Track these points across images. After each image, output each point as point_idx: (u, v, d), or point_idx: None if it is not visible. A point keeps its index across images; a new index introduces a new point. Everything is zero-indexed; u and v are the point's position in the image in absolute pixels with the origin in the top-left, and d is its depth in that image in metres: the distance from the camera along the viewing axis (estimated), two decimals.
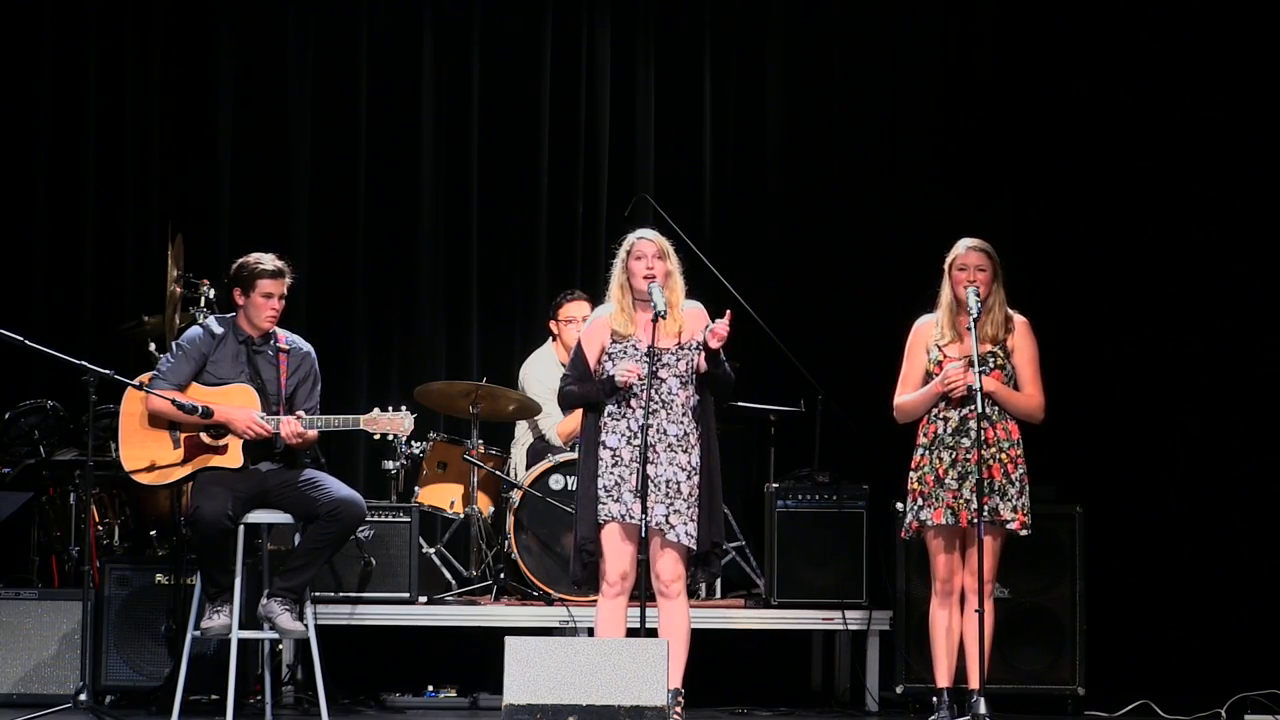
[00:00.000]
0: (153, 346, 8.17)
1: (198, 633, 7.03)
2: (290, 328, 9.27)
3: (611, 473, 6.63)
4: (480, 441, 8.32)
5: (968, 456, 6.86)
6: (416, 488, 8.35)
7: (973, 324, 6.85)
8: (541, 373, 8.60)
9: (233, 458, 7.01)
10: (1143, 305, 9.06)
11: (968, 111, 9.42)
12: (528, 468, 8.39)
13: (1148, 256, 9.09)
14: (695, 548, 6.66)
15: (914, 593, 7.87)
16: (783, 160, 9.53)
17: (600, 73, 9.54)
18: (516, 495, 8.15)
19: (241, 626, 6.94)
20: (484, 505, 8.36)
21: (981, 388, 6.78)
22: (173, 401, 6.95)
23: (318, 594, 7.42)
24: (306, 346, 7.29)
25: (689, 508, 6.64)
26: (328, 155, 9.42)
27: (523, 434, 8.71)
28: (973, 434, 6.84)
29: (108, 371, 7.13)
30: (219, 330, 7.16)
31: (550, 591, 8.05)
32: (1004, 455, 6.89)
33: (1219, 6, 9.09)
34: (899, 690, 7.90)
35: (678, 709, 6.65)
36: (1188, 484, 8.88)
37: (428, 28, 9.49)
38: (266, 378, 7.12)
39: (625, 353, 6.70)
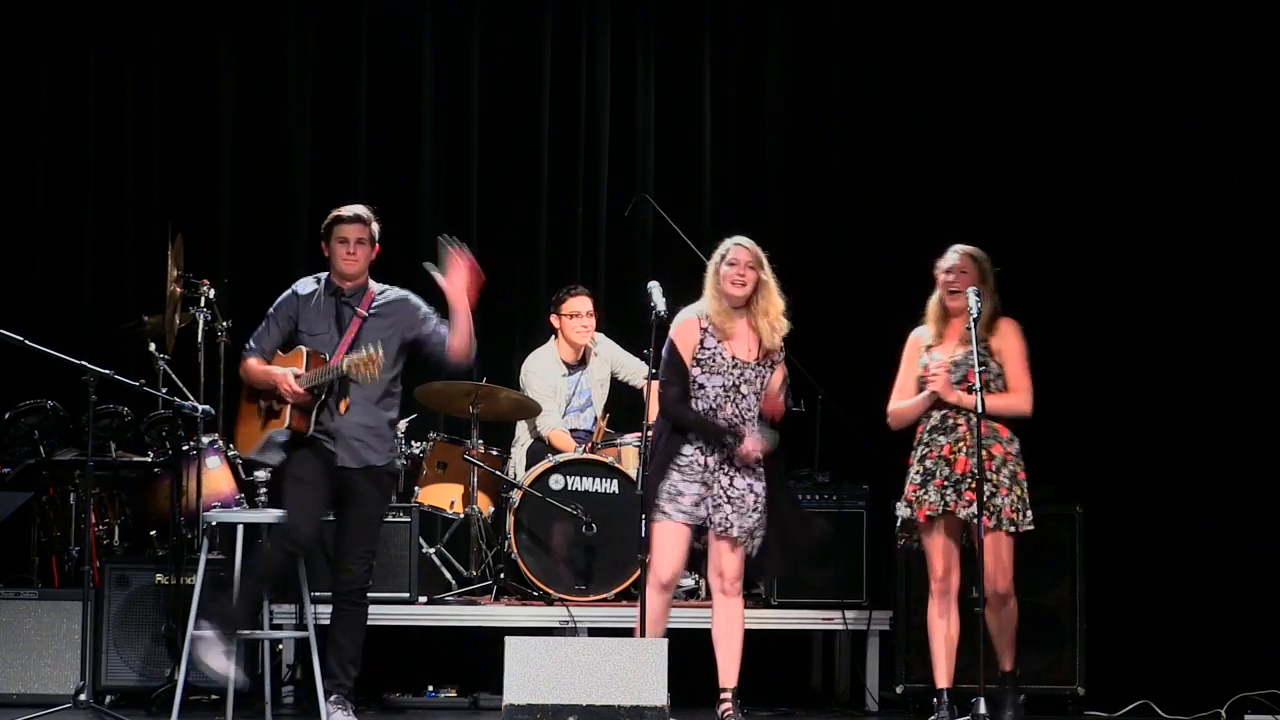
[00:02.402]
0: (153, 346, 8.17)
1: (198, 633, 7.03)
2: None
3: (683, 475, 6.72)
4: (480, 441, 8.32)
5: (953, 453, 6.91)
6: (416, 488, 8.35)
7: (973, 324, 6.87)
8: (542, 370, 8.61)
9: (281, 420, 6.88)
10: (1143, 305, 9.06)
11: (968, 112, 9.42)
12: (528, 468, 8.39)
13: (1147, 256, 9.09)
14: (754, 554, 6.80)
15: (914, 593, 7.86)
16: (782, 160, 9.53)
17: (600, 73, 9.54)
18: (516, 495, 8.15)
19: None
20: (484, 505, 8.36)
21: (982, 388, 6.79)
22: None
23: (317, 594, 7.42)
24: (400, 294, 7.17)
25: (758, 514, 6.78)
26: (328, 154, 9.42)
27: (523, 434, 8.72)
28: (957, 431, 6.92)
29: (108, 371, 7.13)
30: (308, 289, 7.05)
31: (550, 591, 8.06)
32: (1000, 454, 6.93)
33: (1216, 6, 9.09)
34: (899, 690, 7.90)
35: (728, 707, 6.77)
36: (1188, 484, 8.88)
37: (428, 27, 9.49)
38: (345, 330, 7.03)
39: (714, 361, 6.74)
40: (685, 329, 6.79)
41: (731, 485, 6.78)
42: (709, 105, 9.56)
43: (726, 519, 6.77)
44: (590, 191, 9.53)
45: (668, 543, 6.75)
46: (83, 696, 7.28)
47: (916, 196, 9.38)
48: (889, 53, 9.56)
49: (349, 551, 6.95)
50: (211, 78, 9.38)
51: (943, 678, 7.02)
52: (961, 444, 6.92)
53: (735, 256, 6.80)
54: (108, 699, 7.62)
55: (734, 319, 6.78)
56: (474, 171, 9.50)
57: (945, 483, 6.92)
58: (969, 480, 6.84)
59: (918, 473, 7.00)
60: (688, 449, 6.76)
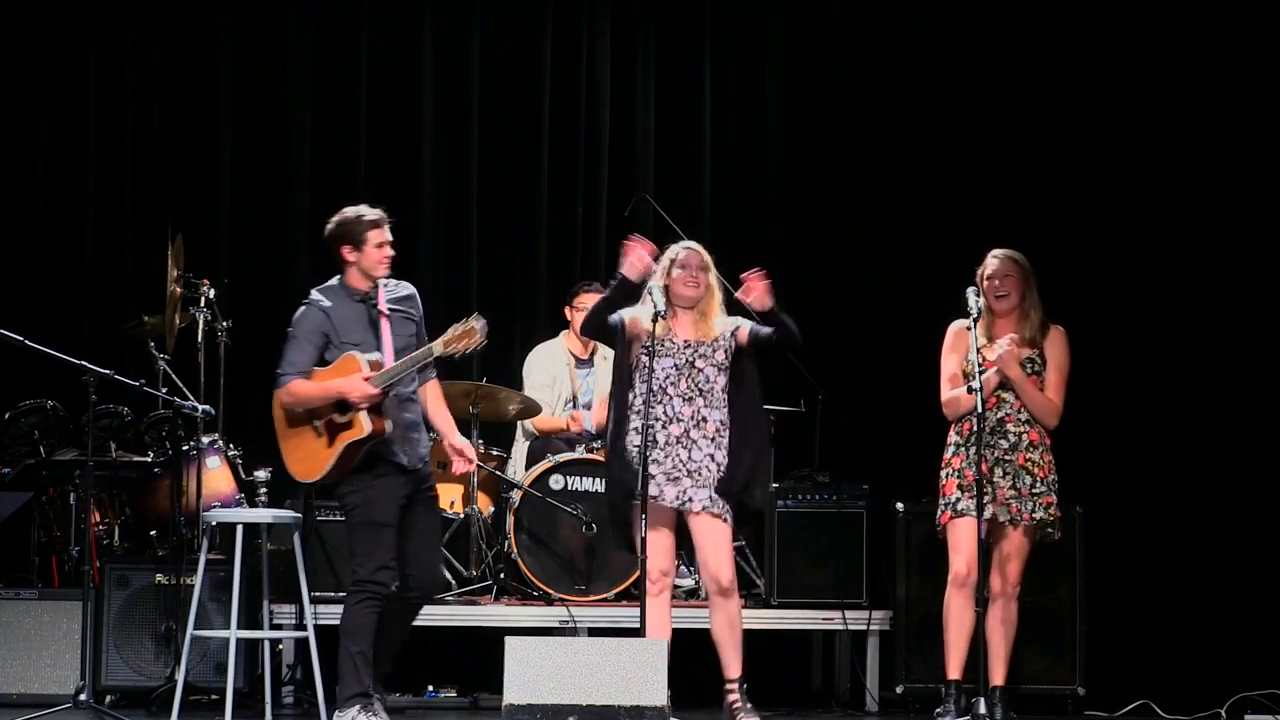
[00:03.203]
0: (152, 346, 8.17)
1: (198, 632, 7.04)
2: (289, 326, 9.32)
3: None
4: (480, 441, 8.32)
5: (1009, 457, 6.99)
6: None
7: (973, 324, 6.90)
8: (545, 360, 8.63)
9: (358, 428, 6.64)
10: (1141, 306, 9.06)
11: (969, 112, 9.42)
12: (527, 468, 8.39)
13: (1146, 256, 9.09)
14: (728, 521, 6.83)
15: (914, 593, 7.88)
16: (783, 160, 9.54)
17: (600, 73, 9.54)
18: (516, 495, 8.15)
19: (241, 626, 6.94)
20: (484, 505, 8.36)
21: (981, 388, 6.81)
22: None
23: (317, 594, 7.42)
24: (403, 284, 7.01)
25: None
26: (328, 155, 9.42)
27: (523, 434, 8.71)
28: (1010, 436, 6.98)
29: (108, 371, 7.13)
30: (329, 301, 6.81)
31: (550, 591, 8.06)
32: (1042, 459, 7.03)
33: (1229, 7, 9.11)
34: (899, 690, 7.91)
35: (736, 698, 6.83)
36: (1188, 484, 8.88)
37: (428, 28, 9.49)
38: (379, 331, 6.85)
39: (663, 345, 6.84)
40: (637, 316, 6.89)
41: (698, 459, 6.80)
42: (709, 105, 9.56)
43: (685, 493, 6.78)
44: (590, 191, 9.54)
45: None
46: (83, 696, 7.28)
47: (916, 196, 9.38)
48: (889, 52, 9.55)
49: (435, 549, 6.98)
50: (212, 78, 9.38)
51: (954, 669, 7.03)
52: (1034, 451, 6.99)
53: (686, 260, 6.91)
54: (108, 699, 7.62)
55: (680, 315, 6.91)
56: (474, 171, 9.50)
57: (1032, 490, 6.98)
58: (1006, 481, 6.93)
59: (986, 469, 6.97)
60: (634, 435, 6.79)
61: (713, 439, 6.82)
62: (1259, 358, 8.97)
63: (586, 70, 9.55)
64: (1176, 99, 9.16)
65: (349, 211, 6.89)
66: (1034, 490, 6.99)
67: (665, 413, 6.81)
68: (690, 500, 6.78)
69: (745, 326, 6.90)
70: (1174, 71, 9.16)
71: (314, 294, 6.87)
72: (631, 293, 6.80)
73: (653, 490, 6.70)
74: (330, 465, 6.71)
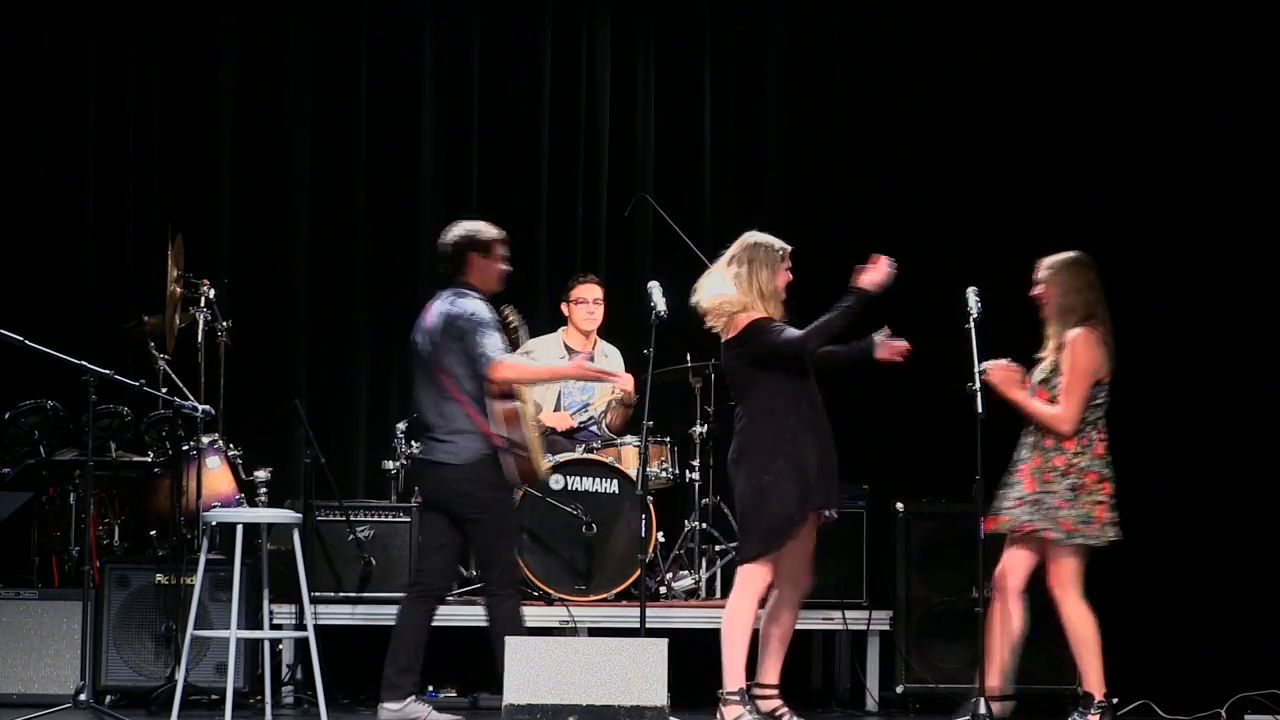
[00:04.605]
0: (152, 346, 8.17)
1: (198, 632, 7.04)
2: (290, 327, 9.35)
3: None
4: None
5: (1017, 467, 6.99)
6: (417, 487, 8.34)
7: (972, 324, 6.89)
8: (540, 353, 8.62)
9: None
10: (1140, 307, 9.05)
11: (968, 111, 9.42)
12: None
13: (1144, 256, 9.09)
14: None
15: (914, 593, 7.88)
16: (783, 159, 9.54)
17: (600, 73, 9.54)
18: (517, 495, 8.15)
19: (241, 626, 6.95)
20: None
21: (981, 388, 6.81)
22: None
23: (317, 594, 7.42)
24: None
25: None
26: (328, 156, 9.42)
27: None
28: (1024, 447, 6.98)
29: (108, 371, 7.13)
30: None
31: (550, 591, 8.06)
32: (1047, 465, 6.96)
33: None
34: (899, 690, 7.91)
35: (780, 704, 6.93)
36: (1187, 484, 8.87)
37: (428, 28, 9.49)
38: None
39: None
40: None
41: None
42: (709, 105, 9.56)
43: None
44: (590, 191, 9.53)
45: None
46: (83, 696, 7.28)
47: (916, 196, 9.38)
48: (889, 52, 9.56)
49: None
50: (212, 77, 9.38)
51: (990, 676, 7.00)
52: (1034, 460, 6.97)
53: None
54: (108, 699, 7.63)
55: None
56: (474, 171, 9.50)
57: (1023, 502, 6.97)
58: (1018, 486, 6.93)
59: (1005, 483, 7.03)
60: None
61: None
62: (1258, 356, 8.97)
63: (586, 70, 9.55)
64: (1176, 98, 9.16)
65: (472, 225, 7.02)
66: (1019, 499, 6.95)
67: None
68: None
69: None
70: (1175, 71, 9.16)
71: (473, 294, 6.91)
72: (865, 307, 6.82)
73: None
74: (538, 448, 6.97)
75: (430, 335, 6.88)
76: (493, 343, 6.77)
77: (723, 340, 6.94)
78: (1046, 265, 7.03)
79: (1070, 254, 7.01)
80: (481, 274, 6.94)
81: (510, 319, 6.85)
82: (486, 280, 6.95)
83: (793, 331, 6.79)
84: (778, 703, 6.95)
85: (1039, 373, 6.98)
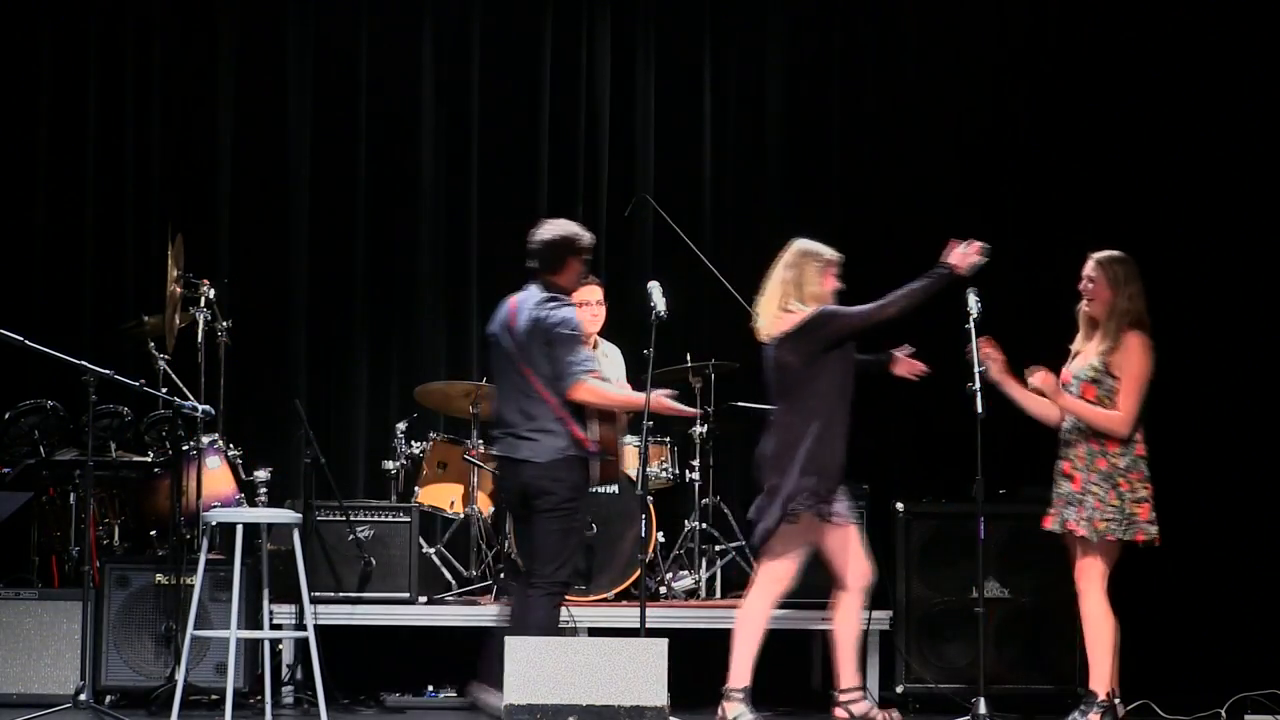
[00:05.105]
0: (152, 346, 8.17)
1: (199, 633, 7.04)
2: (290, 327, 9.35)
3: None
4: (480, 441, 8.32)
5: (1060, 468, 7.00)
6: (416, 488, 8.35)
7: (972, 324, 6.90)
8: None
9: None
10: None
11: (967, 111, 9.42)
12: None
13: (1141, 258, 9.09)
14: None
15: (914, 593, 7.87)
16: (783, 159, 9.54)
17: (600, 73, 9.54)
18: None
19: (241, 626, 6.95)
20: (484, 505, 8.36)
21: (981, 388, 6.81)
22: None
23: (317, 594, 7.41)
24: None
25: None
26: (328, 155, 9.43)
27: None
28: (1064, 446, 6.99)
29: (108, 371, 7.12)
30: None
31: None
32: (1093, 464, 6.97)
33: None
34: (899, 690, 7.90)
35: (868, 705, 7.00)
36: (1187, 484, 8.86)
37: (428, 28, 9.49)
38: None
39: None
40: None
41: None
42: (709, 105, 9.56)
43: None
44: (590, 191, 9.53)
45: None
46: (83, 696, 7.28)
47: (916, 196, 9.38)
48: (889, 52, 9.56)
49: None
50: (212, 77, 9.39)
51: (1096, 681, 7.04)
52: (1079, 459, 6.97)
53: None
54: (108, 699, 7.62)
55: None
56: (474, 171, 9.50)
57: (1065, 501, 6.99)
58: (1068, 493, 6.96)
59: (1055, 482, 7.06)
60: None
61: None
62: (1258, 356, 8.97)
63: (586, 70, 9.55)
64: (1178, 95, 9.17)
65: (566, 229, 7.02)
66: (1063, 498, 7.00)
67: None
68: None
69: None
70: (1174, 71, 9.17)
71: (560, 295, 6.93)
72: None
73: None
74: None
75: (517, 335, 6.89)
76: (582, 360, 6.81)
77: (771, 336, 6.95)
78: (1103, 261, 6.99)
79: (1120, 253, 6.99)
80: (572, 277, 6.99)
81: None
82: (573, 283, 7.02)
83: (861, 306, 6.88)
84: (866, 704, 7.03)
85: (1084, 370, 6.95)
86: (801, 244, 7.02)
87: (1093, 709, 6.91)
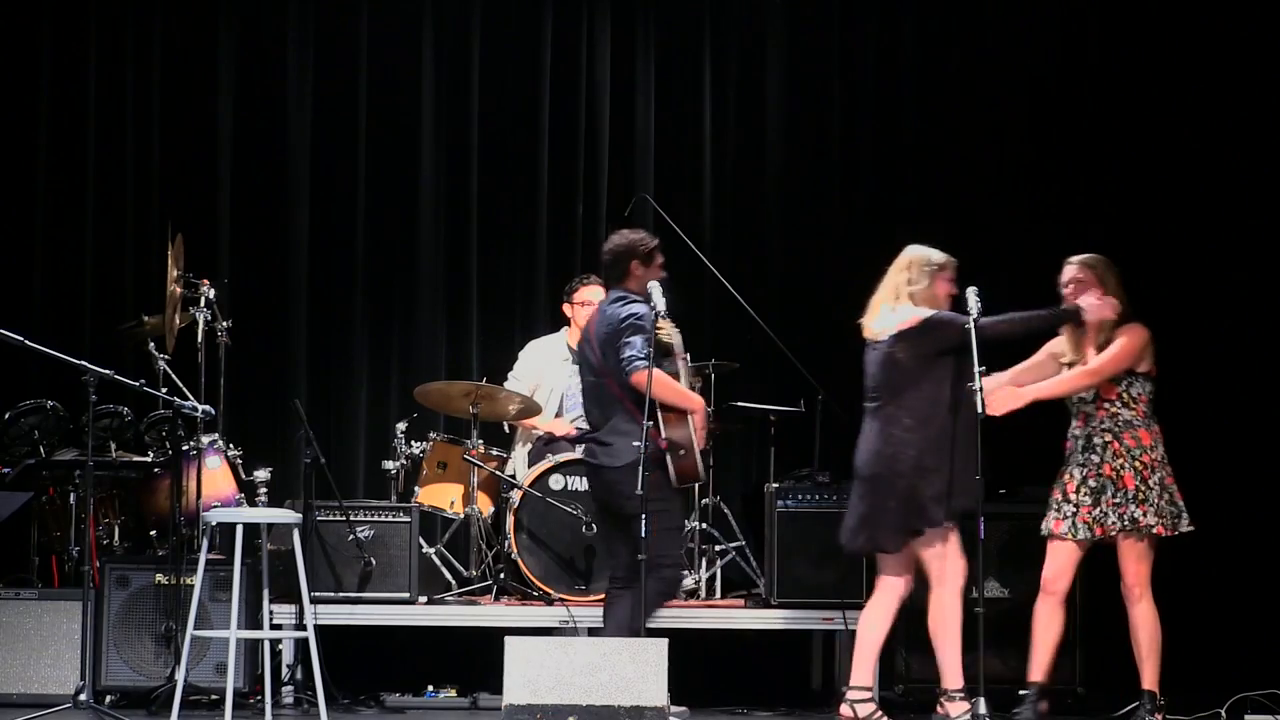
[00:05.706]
0: (152, 346, 8.17)
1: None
2: (290, 327, 9.35)
3: None
4: (480, 441, 8.32)
5: (1100, 472, 7.06)
6: (416, 488, 8.35)
7: (971, 324, 6.91)
8: (533, 356, 8.65)
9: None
10: (1141, 308, 9.06)
11: (967, 111, 9.42)
12: (528, 467, 8.39)
13: (1144, 257, 9.09)
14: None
15: (914, 592, 7.85)
16: (783, 160, 9.54)
17: (600, 72, 9.54)
18: (516, 495, 8.15)
19: (241, 626, 6.94)
20: (484, 505, 8.36)
21: (982, 387, 6.82)
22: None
23: (317, 594, 7.41)
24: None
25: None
26: (328, 155, 9.42)
27: (524, 434, 8.71)
28: (1098, 450, 7.06)
29: (108, 371, 7.13)
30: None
31: (550, 591, 8.05)
32: (1137, 463, 7.05)
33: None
34: (899, 690, 7.90)
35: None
36: (1186, 484, 8.85)
37: (428, 28, 9.49)
38: None
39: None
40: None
41: None
42: (709, 105, 9.56)
43: None
44: (590, 191, 9.53)
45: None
46: (83, 696, 7.27)
47: (916, 196, 9.38)
48: (889, 52, 9.55)
49: None
50: (212, 77, 9.38)
51: (1035, 672, 7.13)
52: (1120, 460, 7.04)
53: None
54: (108, 699, 7.62)
55: None
56: (474, 171, 9.49)
57: (1095, 505, 7.05)
58: (1122, 493, 7.02)
59: (1086, 492, 7.08)
60: None
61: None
62: (1257, 356, 8.97)
63: (586, 70, 9.55)
64: (1175, 96, 9.17)
65: (634, 234, 7.24)
66: (1115, 500, 7.05)
67: None
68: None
69: None
70: (1172, 70, 9.17)
71: (629, 294, 7.07)
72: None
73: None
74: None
75: (597, 342, 7.05)
76: (641, 345, 6.89)
77: (880, 335, 7.03)
78: (1084, 264, 7.08)
79: (1098, 255, 7.11)
80: (640, 281, 7.09)
81: (662, 328, 6.95)
82: (642, 286, 7.10)
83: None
84: (871, 706, 7.06)
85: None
86: (914, 249, 7.11)
87: (1156, 709, 7.05)
